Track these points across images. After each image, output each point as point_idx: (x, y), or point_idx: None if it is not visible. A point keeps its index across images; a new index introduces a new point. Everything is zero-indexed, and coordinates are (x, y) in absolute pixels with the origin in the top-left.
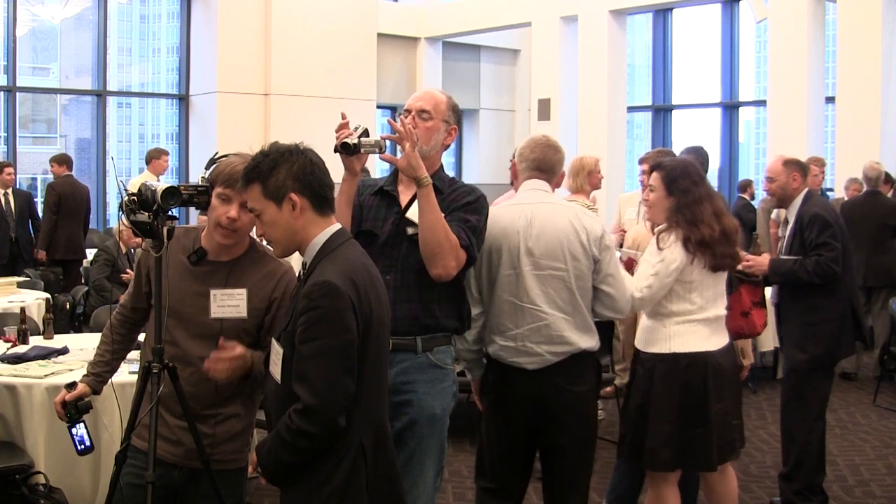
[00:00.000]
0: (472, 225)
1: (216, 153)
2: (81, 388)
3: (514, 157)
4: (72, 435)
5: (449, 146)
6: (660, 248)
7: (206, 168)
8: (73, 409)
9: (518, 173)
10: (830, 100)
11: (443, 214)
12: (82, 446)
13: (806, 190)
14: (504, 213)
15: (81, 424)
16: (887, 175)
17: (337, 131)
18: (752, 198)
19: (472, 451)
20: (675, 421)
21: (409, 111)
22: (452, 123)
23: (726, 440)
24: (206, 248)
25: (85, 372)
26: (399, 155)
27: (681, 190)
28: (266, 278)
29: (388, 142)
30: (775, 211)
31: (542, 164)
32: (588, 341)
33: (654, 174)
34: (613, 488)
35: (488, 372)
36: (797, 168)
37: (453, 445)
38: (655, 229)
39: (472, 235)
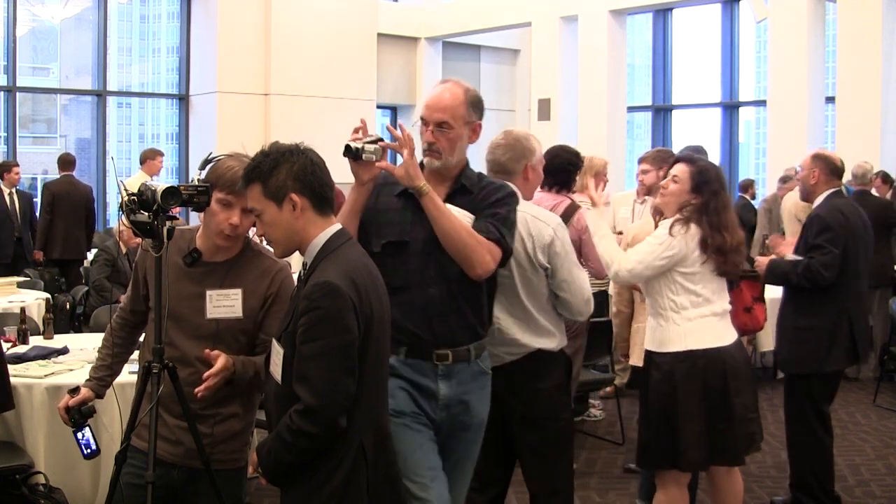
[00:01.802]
0: (502, 216)
1: (210, 153)
2: (84, 392)
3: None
4: (77, 439)
5: (475, 139)
6: (671, 235)
7: (201, 168)
8: (77, 414)
9: None
10: (830, 100)
11: (455, 213)
12: (88, 450)
13: (831, 191)
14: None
15: (87, 428)
16: (886, 176)
17: (352, 134)
18: (753, 198)
19: None
20: (702, 419)
21: (426, 122)
22: (475, 120)
23: (746, 433)
24: (202, 250)
25: (87, 375)
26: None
27: (711, 191)
28: (261, 277)
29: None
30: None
31: (494, 165)
32: (544, 342)
33: (682, 166)
34: (647, 490)
35: None
36: (820, 165)
37: None
38: (664, 220)
39: (502, 226)
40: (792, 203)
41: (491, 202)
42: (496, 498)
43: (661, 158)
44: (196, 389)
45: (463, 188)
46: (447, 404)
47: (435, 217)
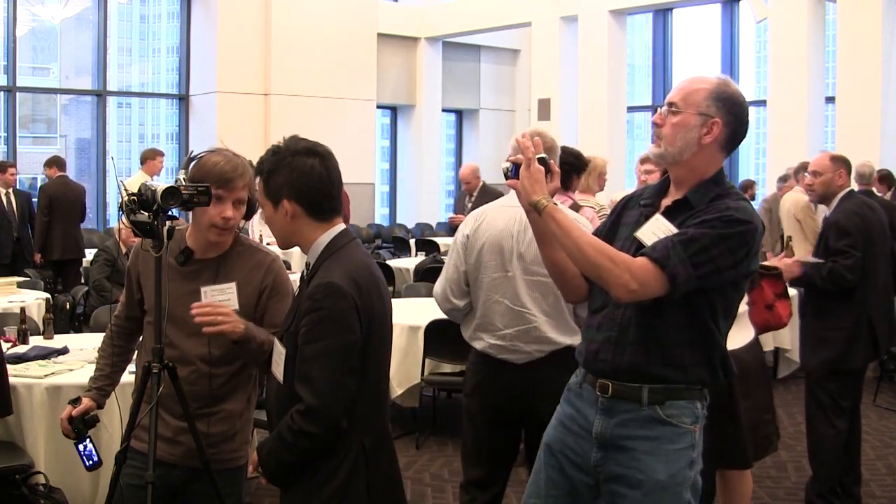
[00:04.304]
0: (687, 237)
1: (192, 151)
2: (87, 402)
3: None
4: (79, 451)
5: (713, 144)
6: None
7: (184, 168)
8: (81, 424)
9: None
10: (830, 100)
11: (657, 226)
12: (90, 462)
13: (845, 191)
14: (499, 215)
15: (88, 440)
16: (884, 176)
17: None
18: (753, 198)
19: None
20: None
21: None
22: (714, 116)
23: (761, 435)
24: (193, 248)
25: (87, 381)
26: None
27: None
28: (254, 270)
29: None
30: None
31: None
32: (570, 340)
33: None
34: None
35: (475, 368)
36: (843, 165)
37: (452, 445)
38: None
39: (680, 246)
40: (791, 203)
41: (696, 222)
42: (497, 496)
43: None
44: (197, 314)
45: (685, 202)
46: (603, 444)
47: (556, 235)
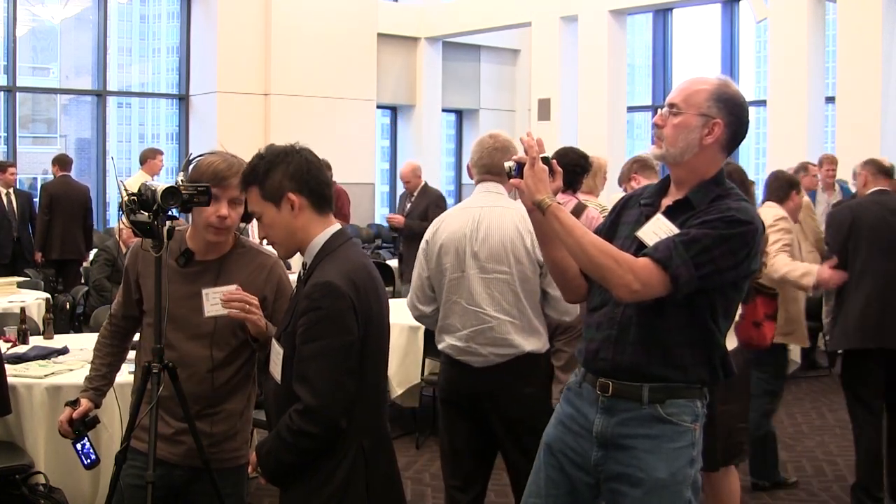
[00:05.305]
0: (690, 237)
1: (190, 154)
2: (86, 404)
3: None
4: (77, 450)
5: (714, 145)
6: None
7: (183, 170)
8: (81, 425)
9: (473, 176)
10: (830, 100)
11: (659, 226)
12: (88, 460)
13: (872, 190)
14: (455, 217)
15: (86, 438)
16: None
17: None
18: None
19: None
20: None
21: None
22: (716, 117)
23: (733, 442)
24: (193, 249)
25: (83, 383)
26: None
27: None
28: (255, 272)
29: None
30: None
31: (492, 167)
32: (533, 343)
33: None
34: None
35: (441, 368)
36: (867, 168)
37: None
38: None
39: (682, 247)
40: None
41: (697, 222)
42: (479, 496)
43: (647, 167)
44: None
45: (686, 203)
46: (603, 443)
47: (559, 234)
